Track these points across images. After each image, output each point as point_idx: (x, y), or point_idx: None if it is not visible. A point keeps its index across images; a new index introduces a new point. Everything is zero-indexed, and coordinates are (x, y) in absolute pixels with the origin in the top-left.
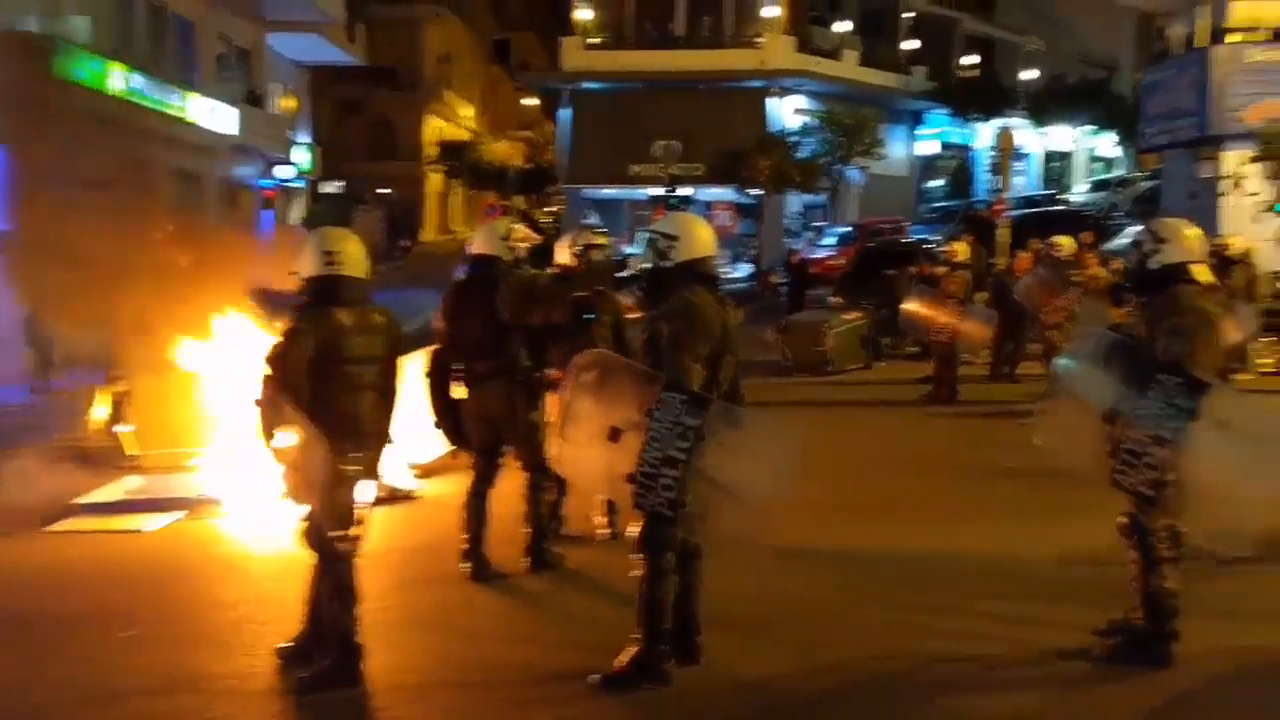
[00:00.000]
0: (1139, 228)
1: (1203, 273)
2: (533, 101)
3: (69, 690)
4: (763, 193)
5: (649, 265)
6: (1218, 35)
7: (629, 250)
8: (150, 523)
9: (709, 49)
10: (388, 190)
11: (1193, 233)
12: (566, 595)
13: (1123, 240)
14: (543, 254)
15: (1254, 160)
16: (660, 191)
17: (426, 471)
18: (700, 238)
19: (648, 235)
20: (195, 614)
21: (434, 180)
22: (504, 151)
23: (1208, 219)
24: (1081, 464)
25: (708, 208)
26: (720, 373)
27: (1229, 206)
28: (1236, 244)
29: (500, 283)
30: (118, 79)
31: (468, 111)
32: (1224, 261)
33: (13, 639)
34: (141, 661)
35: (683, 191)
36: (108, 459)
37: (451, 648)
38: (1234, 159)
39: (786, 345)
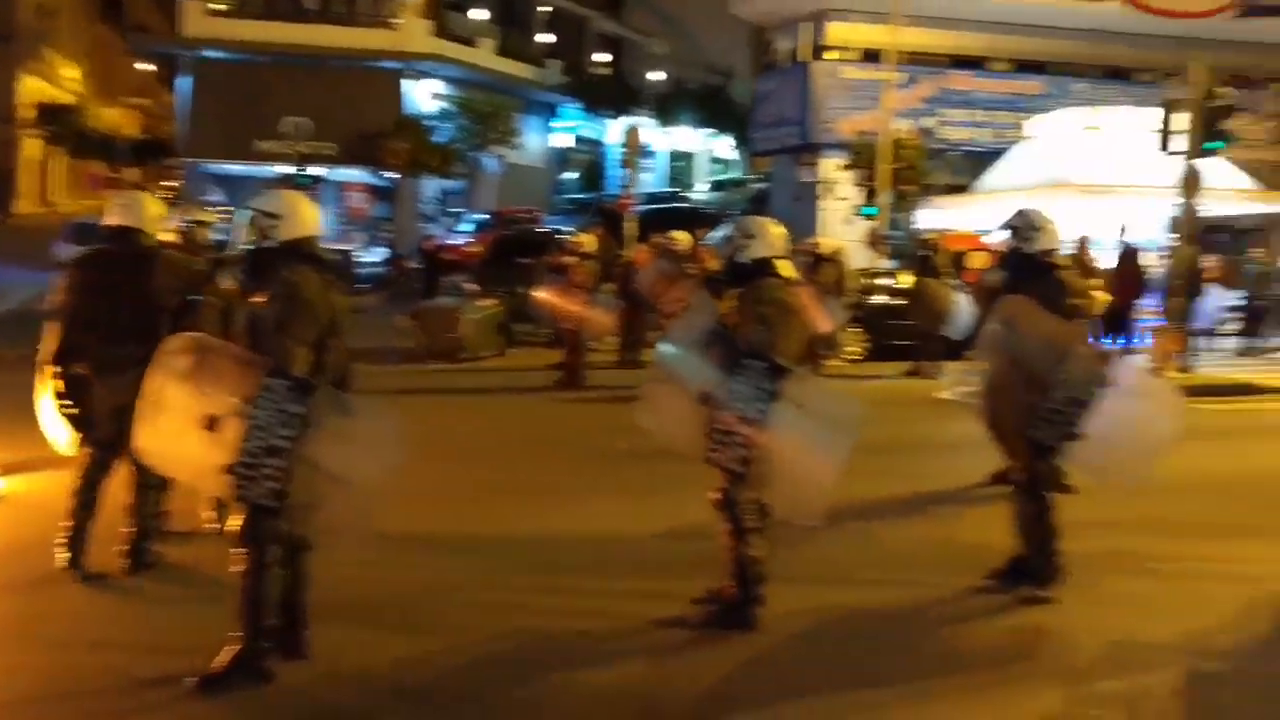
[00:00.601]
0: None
1: (785, 267)
2: (148, 67)
3: None
4: (399, 176)
5: (251, 245)
6: (817, 52)
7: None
8: None
9: (343, 25)
10: None
11: (777, 230)
12: (165, 596)
13: (716, 236)
14: None
15: (845, 168)
16: (290, 170)
17: (9, 468)
18: (305, 216)
19: (249, 213)
20: None
21: (31, 146)
22: (115, 119)
23: (808, 220)
24: (680, 443)
25: (341, 189)
26: (327, 357)
27: (826, 209)
28: (827, 243)
29: (153, 261)
30: None
31: (72, 73)
32: (816, 259)
33: None
34: None
35: (314, 171)
36: None
37: (35, 659)
38: (830, 166)
39: (420, 332)
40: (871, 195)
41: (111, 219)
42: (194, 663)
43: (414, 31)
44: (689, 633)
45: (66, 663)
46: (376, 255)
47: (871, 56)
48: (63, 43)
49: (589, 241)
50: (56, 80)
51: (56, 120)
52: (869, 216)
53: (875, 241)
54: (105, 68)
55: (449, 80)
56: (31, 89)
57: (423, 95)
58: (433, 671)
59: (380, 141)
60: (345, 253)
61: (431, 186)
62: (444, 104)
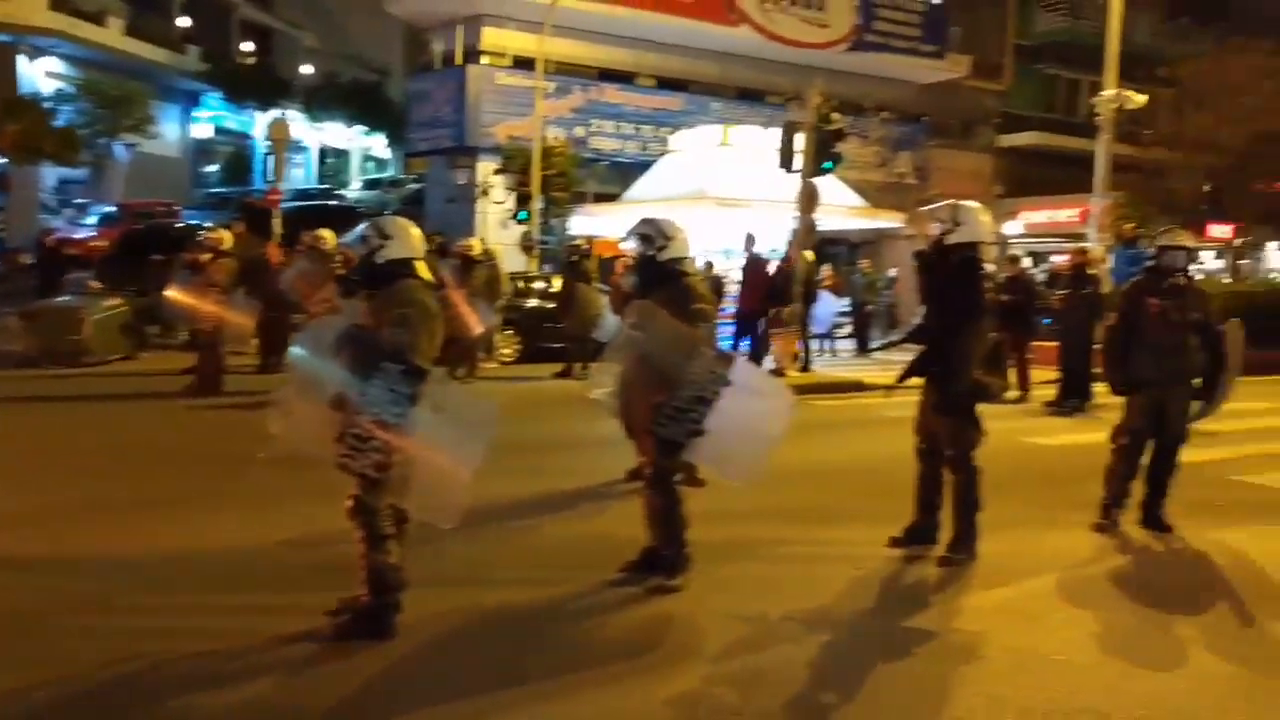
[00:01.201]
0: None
1: (423, 269)
2: None
3: None
4: (7, 161)
5: None
6: (473, 55)
7: None
8: None
9: None
10: None
11: (415, 231)
12: None
13: (350, 236)
14: None
15: (498, 173)
16: None
17: None
18: None
19: None
20: None
21: None
22: None
23: (464, 222)
24: (313, 449)
25: None
26: None
27: (482, 212)
28: (478, 246)
29: None
30: None
31: None
32: (467, 262)
33: None
34: None
35: None
36: None
37: None
38: (485, 169)
39: (33, 334)
40: (525, 200)
41: None
42: None
43: (30, 4)
44: (320, 646)
45: None
46: None
47: (525, 64)
48: None
49: (226, 238)
50: None
51: None
52: (523, 221)
53: (528, 246)
54: None
55: (72, 60)
56: None
57: (38, 73)
58: (40, 706)
59: None
60: None
61: (52, 174)
62: (64, 84)
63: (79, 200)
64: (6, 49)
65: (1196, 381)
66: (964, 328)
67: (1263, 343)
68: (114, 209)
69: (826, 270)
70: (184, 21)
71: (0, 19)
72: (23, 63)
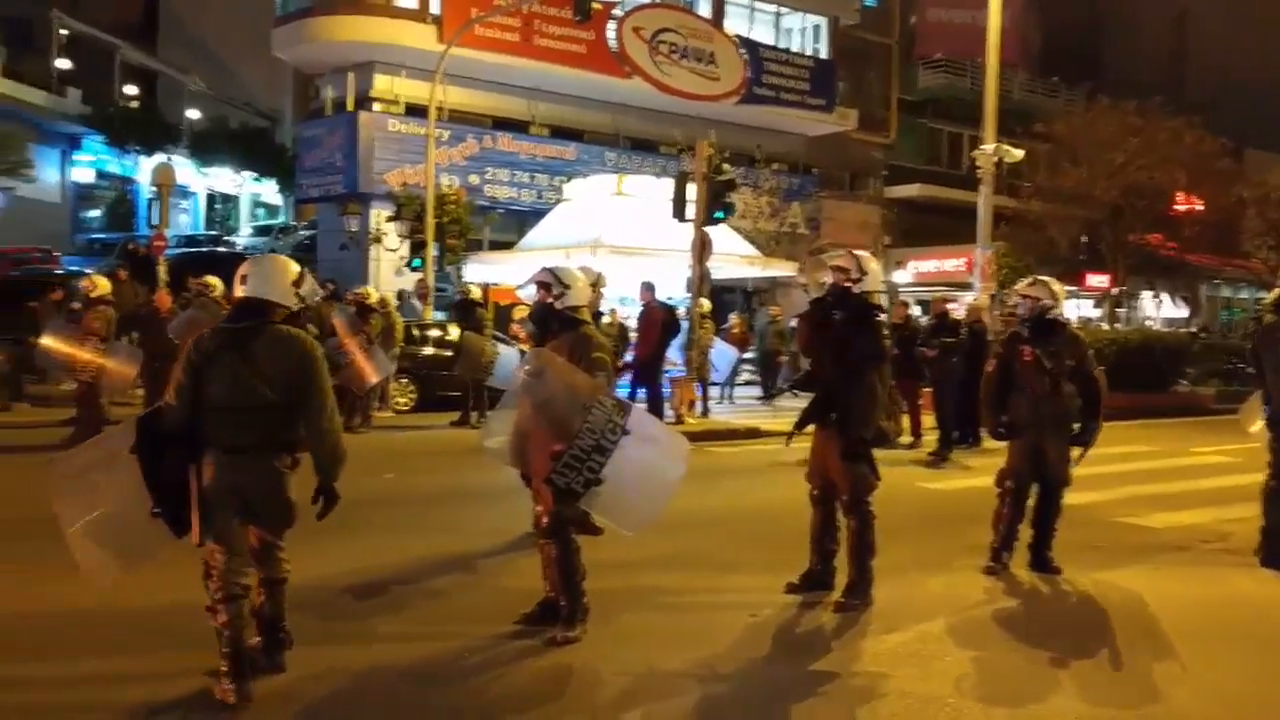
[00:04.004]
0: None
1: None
2: None
3: None
4: None
5: None
6: (364, 102)
7: None
8: None
9: None
10: None
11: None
12: None
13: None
14: None
15: (390, 220)
16: None
17: None
18: None
19: None
20: None
21: None
22: None
23: (357, 270)
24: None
25: None
26: None
27: (375, 259)
28: (373, 294)
29: None
30: None
31: None
32: (363, 309)
33: None
34: None
35: None
36: None
37: None
38: (377, 216)
39: None
40: (419, 248)
41: None
42: None
43: None
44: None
45: None
46: None
47: (418, 111)
48: None
49: (102, 284)
50: None
51: None
52: (417, 269)
53: (423, 294)
54: None
55: None
56: None
57: None
58: None
59: None
60: None
61: None
62: None
63: None
64: None
65: (1077, 426)
66: (865, 374)
67: (1135, 386)
68: None
69: (734, 318)
70: (64, 63)
71: None
72: None
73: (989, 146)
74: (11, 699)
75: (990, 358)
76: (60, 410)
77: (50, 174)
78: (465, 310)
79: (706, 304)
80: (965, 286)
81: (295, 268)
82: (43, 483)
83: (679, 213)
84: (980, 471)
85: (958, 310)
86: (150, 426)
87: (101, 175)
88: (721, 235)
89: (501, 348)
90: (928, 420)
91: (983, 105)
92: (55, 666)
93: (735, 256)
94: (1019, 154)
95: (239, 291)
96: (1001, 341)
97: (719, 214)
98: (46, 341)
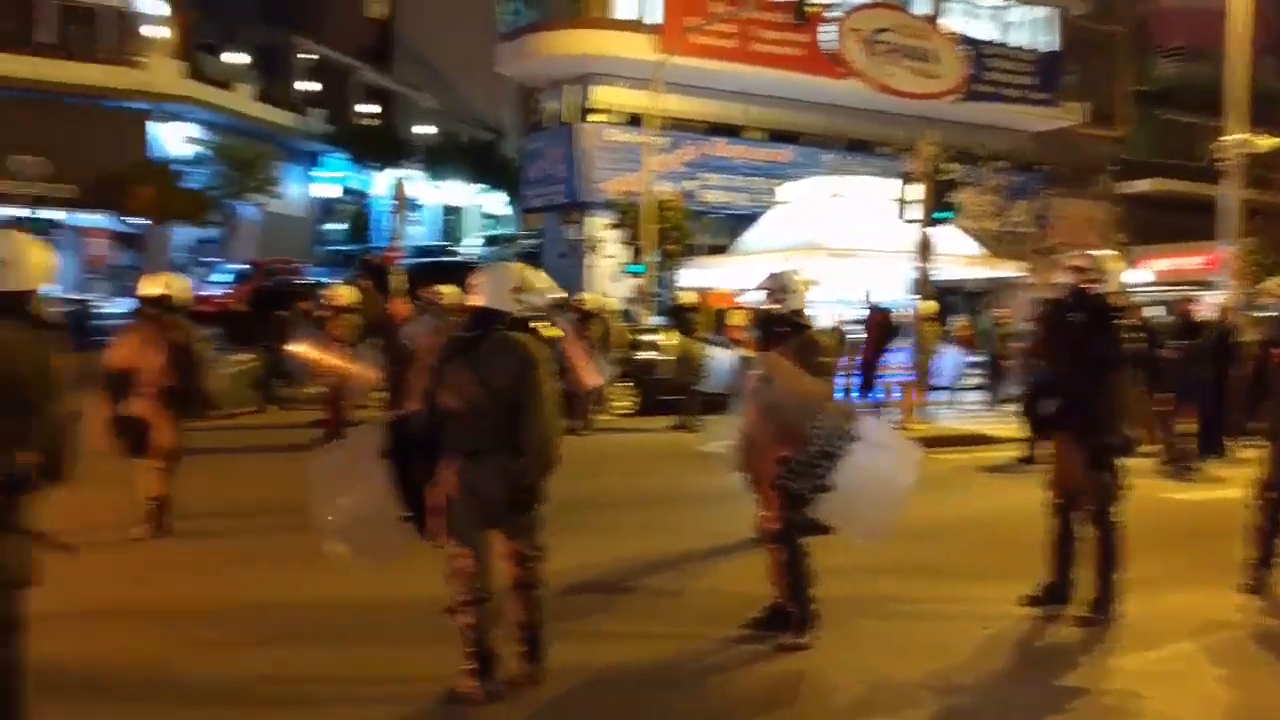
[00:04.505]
0: None
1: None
2: None
3: None
4: (149, 222)
5: None
6: (583, 114)
7: None
8: None
9: (82, 61)
10: None
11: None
12: None
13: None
14: None
15: (611, 227)
16: (22, 213)
17: None
18: (32, 265)
19: None
20: None
21: None
22: None
23: (575, 276)
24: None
25: (81, 235)
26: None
27: (592, 266)
28: (593, 300)
29: None
30: None
31: None
32: (583, 315)
33: None
34: None
35: (50, 215)
36: None
37: None
38: (596, 224)
39: None
40: (637, 254)
41: None
42: None
43: (163, 71)
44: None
45: None
46: (121, 306)
47: (635, 120)
48: None
49: (347, 294)
50: None
51: None
52: (634, 274)
53: (641, 299)
54: None
55: (202, 123)
56: None
57: (171, 138)
58: None
59: (124, 185)
60: (84, 303)
61: (186, 234)
62: (198, 148)
63: (209, 259)
64: (140, 115)
65: None
66: (1108, 378)
67: None
68: (246, 267)
69: (959, 321)
70: (307, 86)
71: (136, 87)
72: (155, 128)
73: (1235, 137)
74: (284, 688)
75: (1244, 361)
76: (307, 412)
77: (296, 190)
78: (678, 315)
79: (932, 305)
80: (1206, 286)
81: (517, 275)
82: (293, 480)
83: (902, 213)
84: (1231, 483)
85: (1203, 311)
86: (400, 432)
87: (342, 190)
88: (946, 235)
89: (714, 352)
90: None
91: (1225, 94)
92: (316, 654)
93: (959, 257)
94: (1269, 144)
95: (469, 300)
96: (1260, 344)
97: (942, 214)
98: (295, 348)
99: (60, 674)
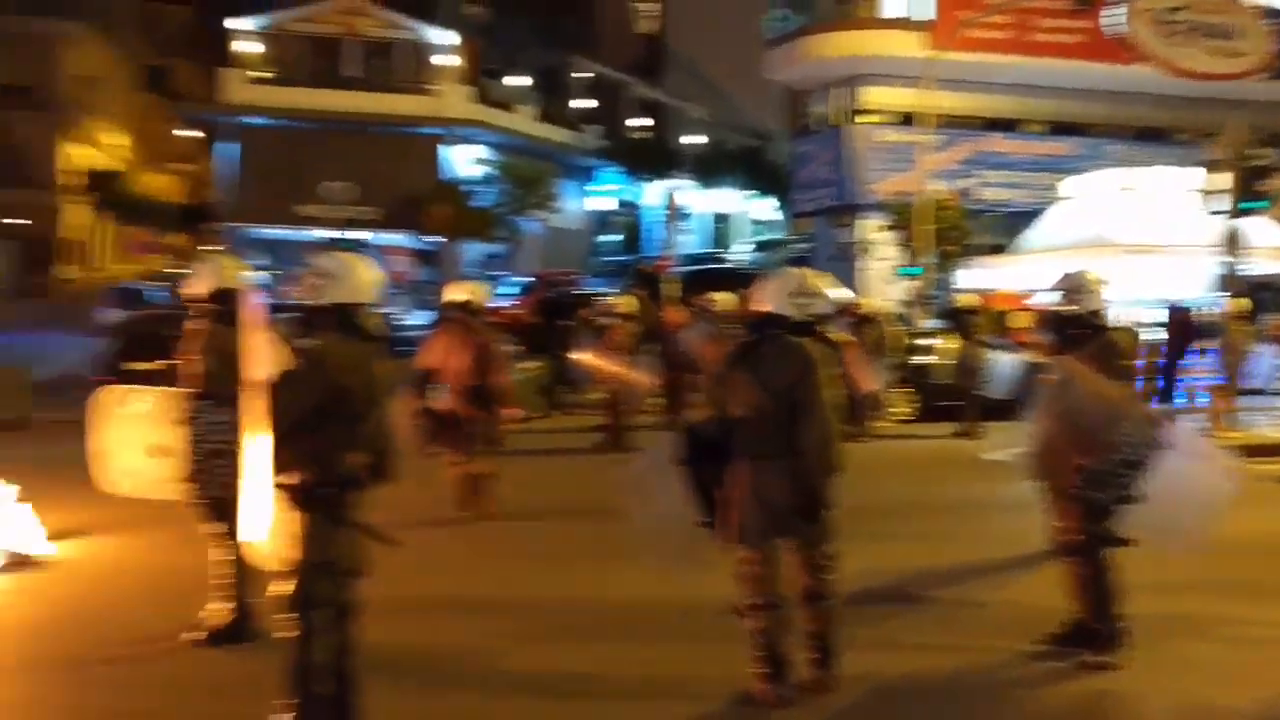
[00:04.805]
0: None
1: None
2: (192, 134)
3: None
4: (442, 240)
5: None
6: (851, 115)
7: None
8: None
9: (383, 92)
10: (21, 221)
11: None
12: (242, 664)
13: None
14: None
15: (886, 229)
16: (333, 234)
17: (59, 534)
18: (360, 282)
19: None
20: None
21: (77, 212)
22: (160, 185)
23: (847, 280)
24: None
25: (383, 253)
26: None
27: (865, 269)
28: (868, 304)
29: None
30: None
31: (117, 140)
32: (860, 319)
33: None
34: None
35: (357, 235)
36: None
37: None
38: (868, 227)
39: None
40: (913, 255)
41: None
42: None
43: (453, 98)
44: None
45: None
46: (420, 318)
47: (907, 119)
48: (108, 111)
49: (627, 303)
50: (101, 147)
51: (104, 187)
52: (909, 276)
53: (917, 302)
54: (151, 135)
55: (488, 145)
56: (79, 156)
57: (461, 160)
58: None
59: (421, 206)
60: (387, 315)
61: (474, 250)
62: (486, 169)
63: (496, 273)
64: (433, 140)
65: None
66: None
67: None
68: (530, 279)
69: (1274, 319)
70: (583, 103)
71: (430, 113)
72: (446, 151)
73: None
74: (587, 683)
75: None
76: (590, 418)
77: (572, 204)
78: (958, 318)
79: (1244, 303)
80: None
81: (798, 280)
82: (583, 481)
83: (1205, 205)
84: None
85: None
86: (694, 438)
87: (618, 203)
88: (1256, 227)
89: (997, 356)
90: None
91: None
92: (618, 650)
93: (1272, 249)
94: None
95: (752, 305)
96: None
97: (1252, 204)
98: (579, 355)
99: (382, 659)
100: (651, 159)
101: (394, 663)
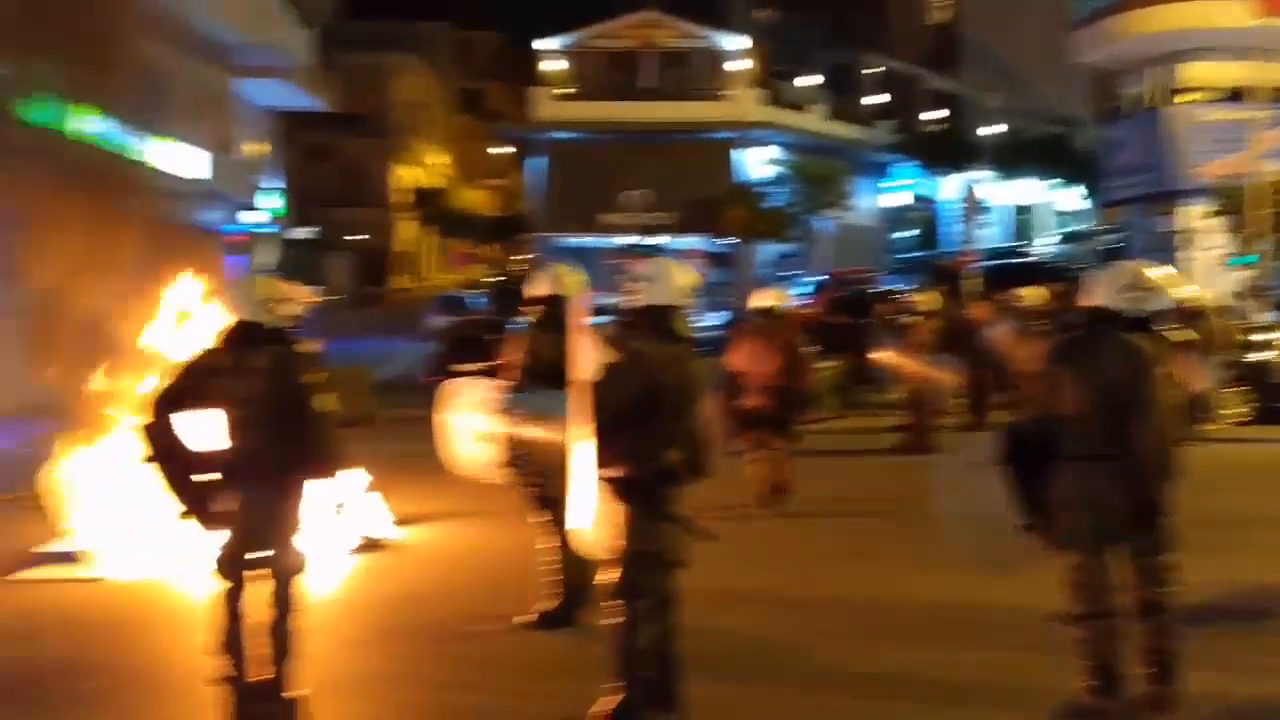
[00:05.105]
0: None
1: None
2: (504, 150)
3: None
4: (737, 242)
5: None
6: (1170, 94)
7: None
8: (112, 572)
9: (678, 100)
10: (360, 236)
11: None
12: (567, 647)
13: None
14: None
15: (1213, 215)
16: (633, 240)
17: (404, 520)
18: (674, 283)
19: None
20: (160, 665)
21: (406, 227)
22: (476, 199)
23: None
24: None
25: (680, 257)
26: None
27: (1188, 259)
28: (1196, 297)
29: None
30: (82, 123)
31: (439, 159)
32: (1190, 313)
33: None
34: (107, 713)
35: (654, 240)
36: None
37: (419, 698)
38: (1191, 214)
39: None
40: (1246, 243)
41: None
42: (577, 710)
43: (746, 102)
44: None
45: (441, 703)
46: (716, 319)
47: (1235, 95)
48: (429, 133)
49: (929, 300)
50: (426, 166)
51: (428, 203)
52: (1242, 266)
53: (1252, 293)
54: (467, 153)
55: (780, 146)
56: (404, 175)
57: (754, 162)
58: None
59: (715, 209)
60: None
61: (767, 250)
62: (778, 169)
63: (789, 273)
64: (726, 144)
65: None
66: None
67: None
68: (823, 278)
69: None
70: (875, 98)
71: (721, 118)
72: (739, 154)
73: None
74: (894, 685)
75: None
76: (887, 418)
77: (865, 201)
78: None
79: None
80: None
81: (1130, 273)
82: (880, 482)
83: None
84: None
85: None
86: (1016, 438)
87: (913, 198)
88: None
89: None
90: None
91: None
92: (928, 653)
93: None
94: None
95: (1082, 300)
96: None
97: None
98: (879, 354)
99: (702, 648)
100: (947, 152)
101: (713, 653)
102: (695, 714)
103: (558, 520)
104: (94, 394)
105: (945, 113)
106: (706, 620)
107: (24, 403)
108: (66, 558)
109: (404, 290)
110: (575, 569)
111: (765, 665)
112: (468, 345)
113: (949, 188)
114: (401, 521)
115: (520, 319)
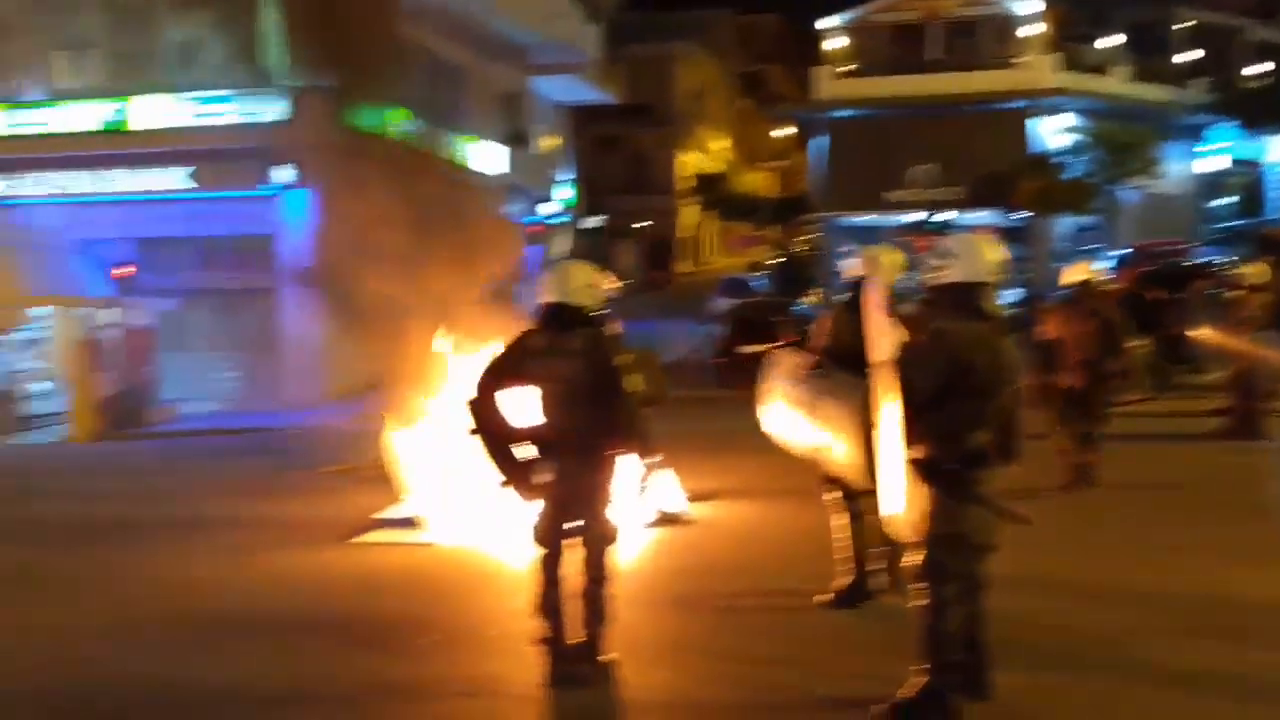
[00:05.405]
0: None
1: None
2: (785, 132)
3: (376, 684)
4: (1032, 215)
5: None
6: None
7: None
8: (442, 537)
9: (966, 71)
10: (645, 223)
11: None
12: (861, 626)
13: None
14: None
15: None
16: (919, 217)
17: (695, 496)
18: (981, 260)
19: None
20: (484, 624)
21: (688, 213)
22: (756, 182)
23: None
24: None
25: (968, 232)
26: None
27: None
28: None
29: None
30: (402, 126)
31: (720, 144)
32: None
33: (332, 636)
34: (441, 665)
35: (942, 216)
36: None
37: (715, 668)
38: None
39: None
40: None
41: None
42: (879, 690)
43: (1040, 68)
44: None
45: (747, 674)
46: (1011, 296)
47: None
48: (711, 119)
49: (1256, 273)
50: (708, 152)
51: (709, 188)
52: None
53: None
54: (747, 137)
55: (1079, 113)
56: (687, 162)
57: (1050, 131)
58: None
59: (1008, 182)
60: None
61: (1064, 224)
62: (1076, 138)
63: (1089, 246)
64: (1018, 114)
65: None
66: None
67: None
68: (1128, 251)
69: None
70: (1185, 56)
71: (1014, 87)
72: (1032, 123)
73: None
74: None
75: None
76: (1205, 400)
77: (1176, 167)
78: None
79: None
80: None
81: None
82: (1198, 471)
83: None
84: None
85: None
86: None
87: (1232, 161)
88: None
89: None
90: None
91: None
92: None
93: None
94: None
95: None
96: None
97: None
98: (1200, 332)
99: (1012, 634)
100: (1273, 110)
101: (1024, 639)
102: (1004, 701)
103: (849, 497)
104: (421, 376)
105: (1270, 66)
106: (1018, 606)
107: (357, 384)
108: (403, 523)
109: (687, 274)
110: (868, 548)
111: (1077, 656)
112: (753, 327)
113: (1276, 150)
114: (694, 498)
115: (803, 301)
